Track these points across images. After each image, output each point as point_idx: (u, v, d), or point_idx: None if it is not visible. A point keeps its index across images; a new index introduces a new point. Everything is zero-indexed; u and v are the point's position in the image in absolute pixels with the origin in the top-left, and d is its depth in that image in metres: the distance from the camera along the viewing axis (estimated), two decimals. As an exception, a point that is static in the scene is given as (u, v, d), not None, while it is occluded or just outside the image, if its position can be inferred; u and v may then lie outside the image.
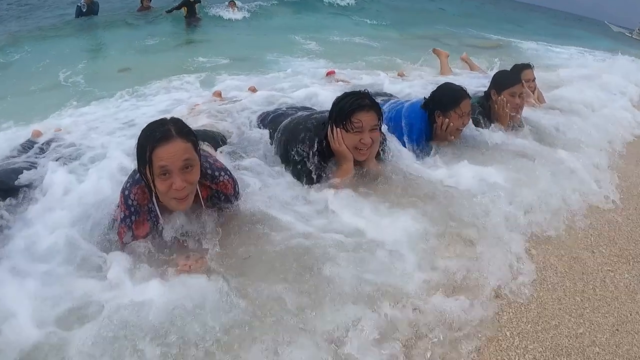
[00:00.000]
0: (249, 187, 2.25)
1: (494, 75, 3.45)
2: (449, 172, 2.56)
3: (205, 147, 2.40)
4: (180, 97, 4.61)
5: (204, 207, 1.99)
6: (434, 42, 9.96)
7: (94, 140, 3.24)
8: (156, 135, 1.68)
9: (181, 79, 5.67)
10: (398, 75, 5.75)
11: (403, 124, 2.89)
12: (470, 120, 3.03)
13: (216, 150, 2.63)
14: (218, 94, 4.20)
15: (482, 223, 2.13)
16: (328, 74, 4.90)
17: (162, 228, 1.91)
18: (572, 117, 3.86)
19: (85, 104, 4.77)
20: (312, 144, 2.41)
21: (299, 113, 2.95)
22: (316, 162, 2.42)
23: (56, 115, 4.33)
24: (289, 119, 2.75)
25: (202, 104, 3.85)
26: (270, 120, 3.04)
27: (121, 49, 8.04)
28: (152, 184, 1.73)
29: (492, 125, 3.24)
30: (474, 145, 2.97)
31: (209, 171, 1.96)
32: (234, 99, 3.99)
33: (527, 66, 4.09)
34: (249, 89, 4.31)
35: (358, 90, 2.42)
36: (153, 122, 1.77)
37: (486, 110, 3.31)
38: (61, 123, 3.86)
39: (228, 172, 2.03)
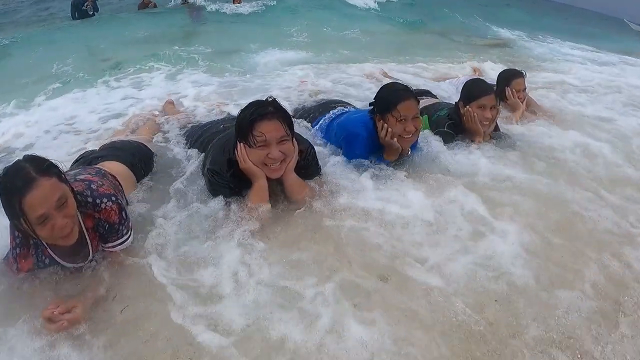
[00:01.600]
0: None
1: (465, 83, 3.09)
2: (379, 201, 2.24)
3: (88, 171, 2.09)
4: (135, 94, 4.47)
5: (88, 239, 1.80)
6: (442, 37, 9.47)
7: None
8: (18, 184, 1.52)
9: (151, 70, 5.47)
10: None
11: (342, 139, 2.58)
12: (433, 133, 2.86)
13: (132, 170, 2.32)
14: (170, 105, 3.76)
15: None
16: (302, 82, 4.47)
17: (48, 263, 1.78)
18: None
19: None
20: (222, 165, 2.08)
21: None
22: (232, 185, 2.10)
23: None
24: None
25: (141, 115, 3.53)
26: (197, 138, 2.70)
27: (107, 41, 7.78)
28: (33, 234, 1.59)
29: (470, 142, 2.89)
30: (426, 166, 2.59)
31: (90, 199, 1.79)
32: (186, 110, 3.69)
33: (518, 74, 3.65)
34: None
35: (267, 97, 2.09)
36: (9, 167, 1.59)
37: (457, 122, 2.97)
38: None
39: (113, 198, 1.82)
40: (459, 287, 1.74)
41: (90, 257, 1.83)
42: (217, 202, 2.08)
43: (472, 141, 2.93)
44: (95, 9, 10.99)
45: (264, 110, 1.96)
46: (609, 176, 2.67)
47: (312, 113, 3.09)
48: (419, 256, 1.89)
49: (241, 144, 2.01)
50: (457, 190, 2.33)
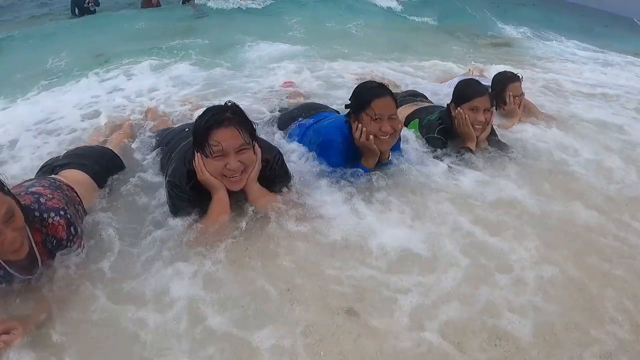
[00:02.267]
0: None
1: (457, 84, 2.88)
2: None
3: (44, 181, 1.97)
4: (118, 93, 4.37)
5: (37, 253, 1.69)
6: (450, 35, 9.25)
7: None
8: None
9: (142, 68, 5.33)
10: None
11: (316, 146, 2.41)
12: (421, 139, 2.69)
13: (95, 178, 2.21)
14: (152, 111, 3.59)
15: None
16: (285, 84, 4.27)
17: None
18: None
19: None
20: (182, 177, 1.93)
21: None
22: (192, 199, 1.94)
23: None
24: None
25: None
26: (167, 144, 2.53)
27: (103, 38, 7.68)
28: None
29: (462, 149, 2.68)
30: (409, 179, 2.38)
31: (37, 212, 1.68)
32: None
33: (515, 78, 3.42)
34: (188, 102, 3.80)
35: (227, 101, 1.93)
36: None
37: (448, 127, 2.77)
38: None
39: (61, 212, 1.71)
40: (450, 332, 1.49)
41: (39, 272, 1.71)
42: (176, 218, 1.93)
43: (465, 148, 2.71)
44: (96, 4, 10.91)
45: (221, 116, 1.79)
46: (624, 195, 2.42)
47: (289, 118, 2.91)
48: (400, 300, 1.60)
49: (198, 153, 1.86)
50: (447, 211, 2.12)
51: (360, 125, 2.24)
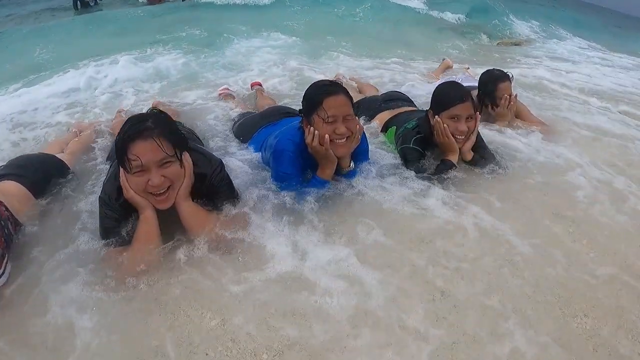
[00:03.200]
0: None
1: (436, 87, 2.54)
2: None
3: None
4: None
5: None
6: (454, 32, 8.97)
7: None
8: None
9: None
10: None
11: (270, 157, 2.18)
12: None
13: (32, 189, 2.08)
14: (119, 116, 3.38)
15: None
16: (252, 85, 4.01)
17: None
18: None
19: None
20: (112, 193, 1.73)
21: None
22: (120, 218, 1.74)
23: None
24: None
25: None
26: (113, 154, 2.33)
27: (97, 32, 7.60)
28: None
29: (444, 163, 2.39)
30: (372, 203, 2.09)
31: None
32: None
33: (504, 77, 3.10)
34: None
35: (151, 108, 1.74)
36: None
37: (427, 135, 2.47)
38: None
39: None
40: None
41: None
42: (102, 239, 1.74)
43: (446, 161, 2.42)
44: None
45: (140, 127, 1.57)
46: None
47: (252, 124, 2.69)
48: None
49: (122, 169, 1.66)
50: (401, 259, 1.75)
51: (312, 128, 2.00)
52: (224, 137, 2.78)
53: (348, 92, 2.05)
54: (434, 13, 10.67)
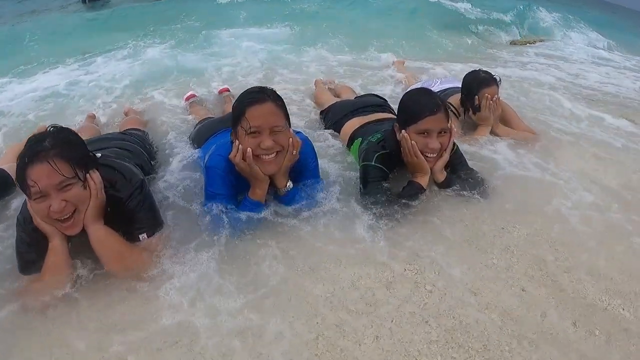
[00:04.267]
0: None
1: (402, 96, 2.21)
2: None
3: None
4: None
5: None
6: (463, 26, 8.52)
7: None
8: None
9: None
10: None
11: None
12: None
13: None
14: (90, 119, 3.31)
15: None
16: (220, 91, 3.82)
17: None
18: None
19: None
20: (27, 214, 1.59)
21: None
22: (33, 243, 1.59)
23: None
24: None
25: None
26: None
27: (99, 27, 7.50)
28: None
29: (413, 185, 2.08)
30: (318, 236, 1.87)
31: None
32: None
33: (490, 81, 2.80)
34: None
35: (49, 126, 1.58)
36: None
37: (393, 151, 2.15)
38: None
39: None
40: None
41: None
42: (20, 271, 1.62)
43: (414, 183, 2.09)
44: None
45: (36, 148, 1.45)
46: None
47: (208, 130, 2.50)
48: None
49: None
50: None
51: (237, 142, 1.79)
52: (179, 146, 2.64)
53: (280, 100, 1.81)
54: (446, 2, 10.02)
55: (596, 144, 3.00)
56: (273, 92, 1.82)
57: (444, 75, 4.04)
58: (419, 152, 2.04)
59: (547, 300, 1.61)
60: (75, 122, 3.33)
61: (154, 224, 1.75)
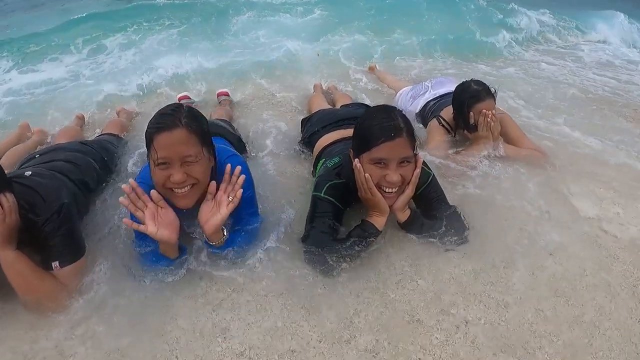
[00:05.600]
0: None
1: (361, 115, 1.84)
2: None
3: None
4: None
5: None
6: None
7: None
8: None
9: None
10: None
11: None
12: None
13: None
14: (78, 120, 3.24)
15: None
16: (219, 95, 3.60)
17: None
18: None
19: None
20: None
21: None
22: None
23: None
24: None
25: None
26: None
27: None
28: None
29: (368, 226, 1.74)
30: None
31: None
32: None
33: (484, 96, 2.39)
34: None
35: None
36: None
37: (349, 182, 1.81)
38: None
39: None
40: None
41: None
42: None
43: (366, 223, 1.74)
44: None
45: None
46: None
47: None
48: None
49: None
50: None
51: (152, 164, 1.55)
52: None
53: (196, 123, 1.52)
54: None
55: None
56: (189, 113, 1.55)
57: (435, 77, 3.39)
58: (374, 187, 1.67)
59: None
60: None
61: (70, 252, 1.61)
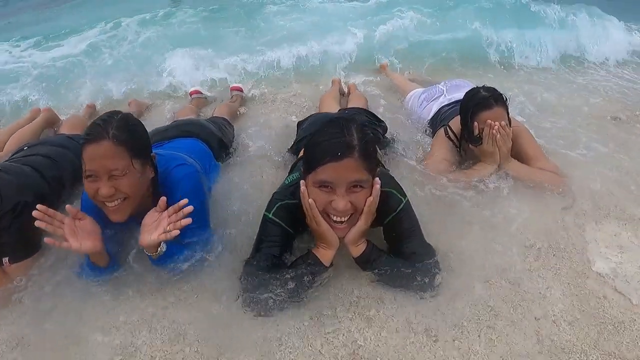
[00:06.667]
0: None
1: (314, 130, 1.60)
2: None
3: None
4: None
5: None
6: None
7: None
8: None
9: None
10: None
11: None
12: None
13: None
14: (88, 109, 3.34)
15: None
16: (232, 89, 3.46)
17: None
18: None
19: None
20: None
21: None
22: None
23: None
24: None
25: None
26: None
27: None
28: None
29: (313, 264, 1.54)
30: None
31: None
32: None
33: (491, 103, 2.07)
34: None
35: None
36: None
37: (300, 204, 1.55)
38: None
39: None
40: None
41: None
42: None
43: (311, 256, 1.53)
44: None
45: None
46: None
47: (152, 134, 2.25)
48: None
49: None
50: None
51: None
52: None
53: (125, 134, 1.45)
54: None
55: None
56: (120, 124, 1.47)
57: (450, 80, 2.98)
58: (318, 215, 1.43)
59: None
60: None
61: (21, 250, 1.68)
